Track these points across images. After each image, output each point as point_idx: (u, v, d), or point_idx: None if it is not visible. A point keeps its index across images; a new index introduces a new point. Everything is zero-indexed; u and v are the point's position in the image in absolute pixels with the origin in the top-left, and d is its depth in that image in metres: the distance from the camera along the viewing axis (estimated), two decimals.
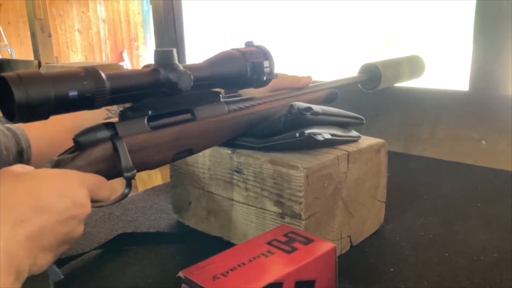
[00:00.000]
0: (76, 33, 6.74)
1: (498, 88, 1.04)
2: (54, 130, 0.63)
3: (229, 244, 0.69)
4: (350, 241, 0.68)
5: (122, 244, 0.72)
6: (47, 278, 0.44)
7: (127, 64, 6.83)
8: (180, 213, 0.78)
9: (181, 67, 0.53)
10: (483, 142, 1.05)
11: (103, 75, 0.46)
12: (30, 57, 3.18)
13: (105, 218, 0.81)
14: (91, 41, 6.89)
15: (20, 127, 0.67)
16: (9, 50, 5.68)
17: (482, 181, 0.94)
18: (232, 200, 0.68)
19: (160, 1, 1.86)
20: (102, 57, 7.00)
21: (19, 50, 5.99)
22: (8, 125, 0.67)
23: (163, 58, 0.52)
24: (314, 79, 0.79)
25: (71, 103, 0.44)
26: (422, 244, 0.69)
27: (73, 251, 0.68)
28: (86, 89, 0.45)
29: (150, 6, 1.92)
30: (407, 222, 0.76)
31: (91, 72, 0.46)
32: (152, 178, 1.64)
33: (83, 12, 6.76)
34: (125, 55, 7.14)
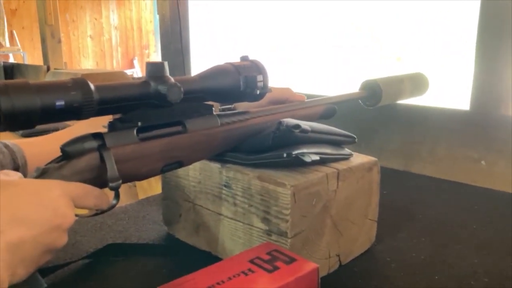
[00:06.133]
0: (88, 39, 6.83)
1: (499, 108, 1.03)
2: (52, 148, 0.62)
3: (216, 259, 0.67)
4: (339, 260, 0.67)
5: (110, 255, 0.71)
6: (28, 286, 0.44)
7: (137, 72, 6.88)
8: (171, 225, 0.78)
9: (172, 79, 0.53)
10: (483, 162, 1.04)
11: (92, 86, 0.47)
12: (41, 62, 3.23)
13: (96, 228, 0.81)
14: (102, 47, 6.97)
15: (17, 145, 0.68)
16: (22, 54, 5.77)
17: (479, 202, 0.93)
18: (221, 214, 0.68)
19: (167, 12, 1.88)
20: (113, 63, 7.07)
21: (32, 55, 6.08)
22: (6, 141, 0.67)
23: (154, 71, 0.53)
24: (318, 93, 0.78)
25: (57, 112, 0.45)
26: (412, 265, 0.68)
27: (60, 260, 0.68)
28: (73, 99, 0.45)
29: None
30: (399, 242, 0.75)
31: (79, 83, 0.46)
32: (153, 187, 1.63)
33: (96, 19, 6.85)
34: (136, 62, 7.20)
